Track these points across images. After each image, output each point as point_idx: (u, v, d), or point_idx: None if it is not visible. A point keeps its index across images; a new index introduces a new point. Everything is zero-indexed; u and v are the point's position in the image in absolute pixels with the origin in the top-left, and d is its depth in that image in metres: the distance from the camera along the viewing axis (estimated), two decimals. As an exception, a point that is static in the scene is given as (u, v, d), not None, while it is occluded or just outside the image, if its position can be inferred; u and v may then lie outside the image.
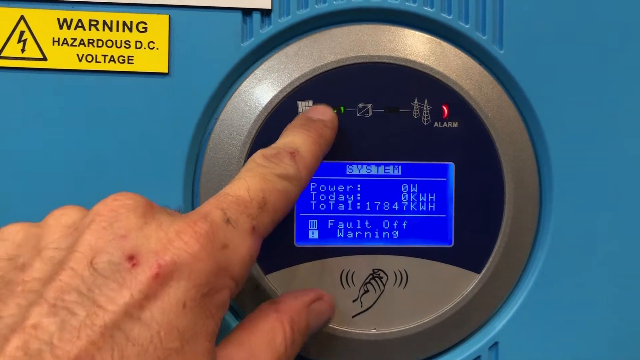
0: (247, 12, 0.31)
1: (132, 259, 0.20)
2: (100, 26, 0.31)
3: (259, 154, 0.26)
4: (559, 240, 0.33)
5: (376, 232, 0.32)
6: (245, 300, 0.31)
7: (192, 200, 0.32)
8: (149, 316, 0.20)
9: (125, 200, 0.22)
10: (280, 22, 0.32)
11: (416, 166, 0.32)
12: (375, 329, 0.32)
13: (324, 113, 0.30)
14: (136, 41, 0.31)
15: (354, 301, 0.32)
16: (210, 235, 0.22)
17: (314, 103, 0.31)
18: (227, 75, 0.31)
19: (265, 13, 0.31)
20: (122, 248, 0.21)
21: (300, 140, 0.27)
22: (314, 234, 0.32)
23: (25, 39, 0.30)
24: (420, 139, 0.32)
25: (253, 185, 0.24)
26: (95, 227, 0.21)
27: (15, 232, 0.23)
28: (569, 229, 0.33)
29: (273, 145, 0.27)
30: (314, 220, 0.32)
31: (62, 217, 0.23)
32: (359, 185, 0.32)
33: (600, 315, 0.33)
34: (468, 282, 0.32)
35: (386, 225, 0.32)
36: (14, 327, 0.19)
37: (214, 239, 0.22)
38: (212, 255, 0.21)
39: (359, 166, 0.32)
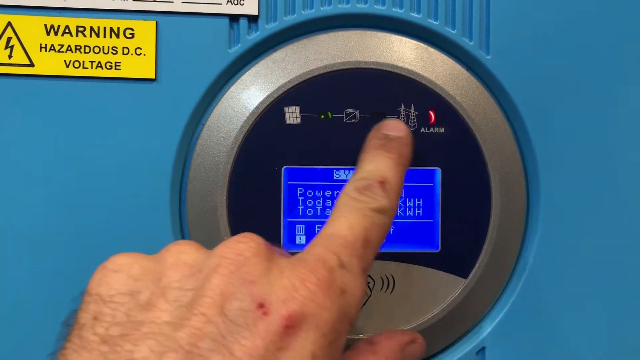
0: (234, 18, 0.31)
1: (261, 306, 0.20)
2: (87, 32, 0.31)
3: (351, 187, 0.26)
4: (546, 245, 0.33)
5: (363, 237, 0.32)
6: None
7: (179, 206, 0.32)
8: None
9: (250, 243, 0.22)
10: (267, 28, 0.32)
11: (403, 171, 0.32)
12: (362, 334, 0.32)
13: (400, 129, 0.29)
14: (123, 47, 0.31)
15: (341, 306, 0.32)
16: (331, 282, 0.22)
17: (300, 109, 0.31)
18: (214, 81, 0.31)
19: (252, 19, 0.32)
20: (251, 294, 0.21)
21: (385, 166, 0.27)
22: (301, 239, 0.32)
23: (13, 45, 0.30)
24: (407, 144, 0.32)
25: (355, 223, 0.24)
26: (223, 271, 0.21)
27: (129, 264, 0.22)
28: (556, 233, 0.33)
29: (362, 175, 0.26)
30: (302, 226, 0.32)
31: (182, 255, 0.22)
32: (346, 191, 0.32)
33: (588, 320, 0.33)
34: (455, 287, 0.32)
35: (373, 230, 0.32)
36: None
37: (335, 285, 0.22)
38: (335, 303, 0.21)
39: (346, 171, 0.32)
